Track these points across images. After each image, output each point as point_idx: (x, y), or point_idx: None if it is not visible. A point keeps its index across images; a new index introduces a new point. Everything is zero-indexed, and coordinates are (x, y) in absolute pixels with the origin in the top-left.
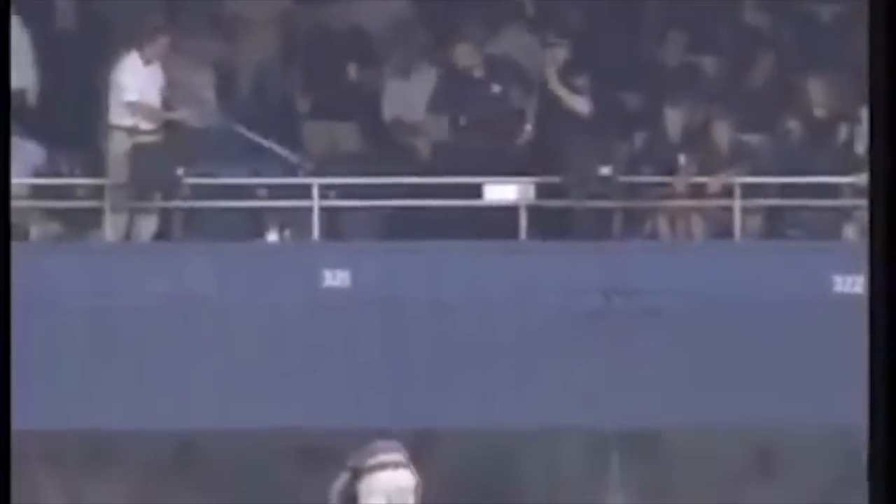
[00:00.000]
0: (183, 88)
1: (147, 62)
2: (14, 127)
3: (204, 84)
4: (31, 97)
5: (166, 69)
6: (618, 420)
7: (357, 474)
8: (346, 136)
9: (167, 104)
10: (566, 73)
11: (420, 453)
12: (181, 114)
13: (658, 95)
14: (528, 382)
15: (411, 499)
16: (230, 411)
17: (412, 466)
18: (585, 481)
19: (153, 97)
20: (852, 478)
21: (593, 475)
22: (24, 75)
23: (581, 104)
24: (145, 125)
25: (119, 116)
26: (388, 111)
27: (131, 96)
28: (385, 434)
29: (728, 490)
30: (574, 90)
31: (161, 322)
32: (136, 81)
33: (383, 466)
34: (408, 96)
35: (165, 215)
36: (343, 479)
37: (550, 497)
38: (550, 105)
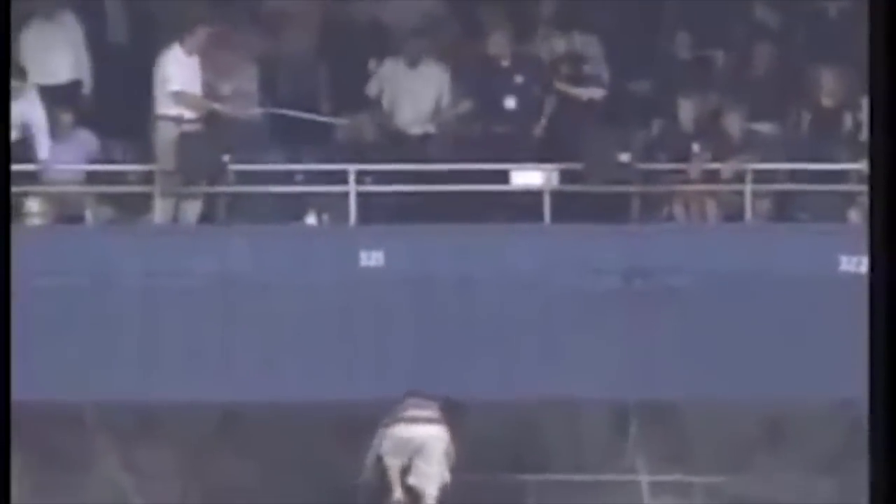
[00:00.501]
0: (224, 79)
1: (189, 54)
2: (70, 116)
3: (245, 74)
4: (86, 89)
5: (208, 60)
6: (635, 393)
7: (389, 428)
8: (381, 125)
9: (209, 94)
10: (576, 67)
11: (448, 422)
12: (223, 103)
13: (673, 87)
14: (550, 357)
15: (444, 453)
16: (272, 384)
17: (444, 424)
18: (605, 450)
19: (196, 88)
20: (857, 448)
21: (612, 444)
22: (79, 68)
23: (585, 95)
24: (190, 115)
25: (165, 106)
26: (421, 102)
27: (175, 87)
28: (418, 394)
29: (739, 458)
30: (581, 83)
31: (207, 300)
32: (179, 73)
33: (414, 420)
34: (439, 87)
35: (210, 200)
36: (379, 437)
37: (571, 464)
38: (572, 96)
